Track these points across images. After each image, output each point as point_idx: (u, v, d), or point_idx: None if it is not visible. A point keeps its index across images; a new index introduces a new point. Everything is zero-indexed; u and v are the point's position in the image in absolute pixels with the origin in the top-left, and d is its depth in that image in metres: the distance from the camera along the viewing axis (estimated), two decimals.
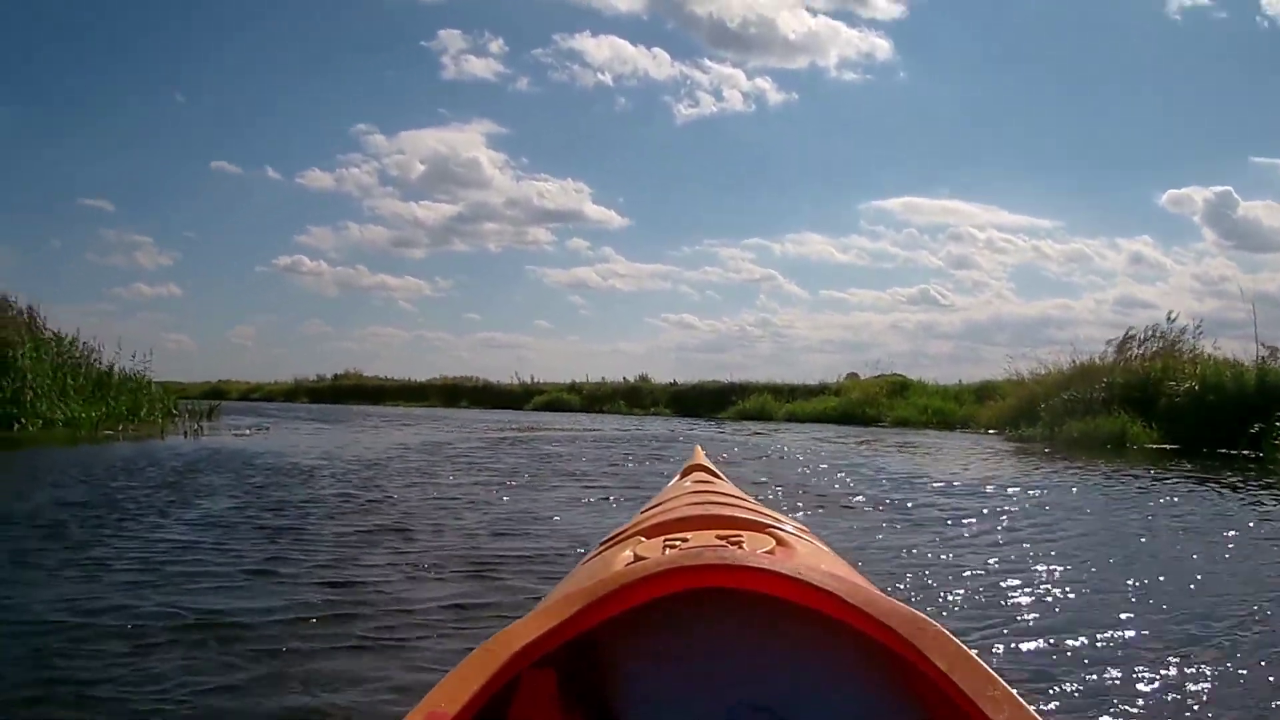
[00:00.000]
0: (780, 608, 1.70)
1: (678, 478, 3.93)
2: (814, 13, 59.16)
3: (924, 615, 1.57)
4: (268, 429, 24.78)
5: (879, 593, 1.70)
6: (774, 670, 1.77)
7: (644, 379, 51.08)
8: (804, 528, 2.73)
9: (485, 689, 1.47)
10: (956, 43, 62.85)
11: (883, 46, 55.11)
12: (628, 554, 2.08)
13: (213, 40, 62.60)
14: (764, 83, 58.29)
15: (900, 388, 36.63)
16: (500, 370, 60.66)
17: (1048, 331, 57.41)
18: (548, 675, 1.66)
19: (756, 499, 3.30)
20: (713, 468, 4.04)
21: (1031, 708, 1.38)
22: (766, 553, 2.02)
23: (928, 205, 59.38)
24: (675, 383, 49.00)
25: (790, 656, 1.77)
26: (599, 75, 58.60)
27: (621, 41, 58.20)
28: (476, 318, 75.05)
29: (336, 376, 62.63)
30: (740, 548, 2.05)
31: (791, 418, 36.21)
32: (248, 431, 23.29)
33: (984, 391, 32.64)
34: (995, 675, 1.43)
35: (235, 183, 61.64)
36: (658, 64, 58.25)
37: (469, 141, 63.57)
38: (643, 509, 3.22)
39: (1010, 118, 62.49)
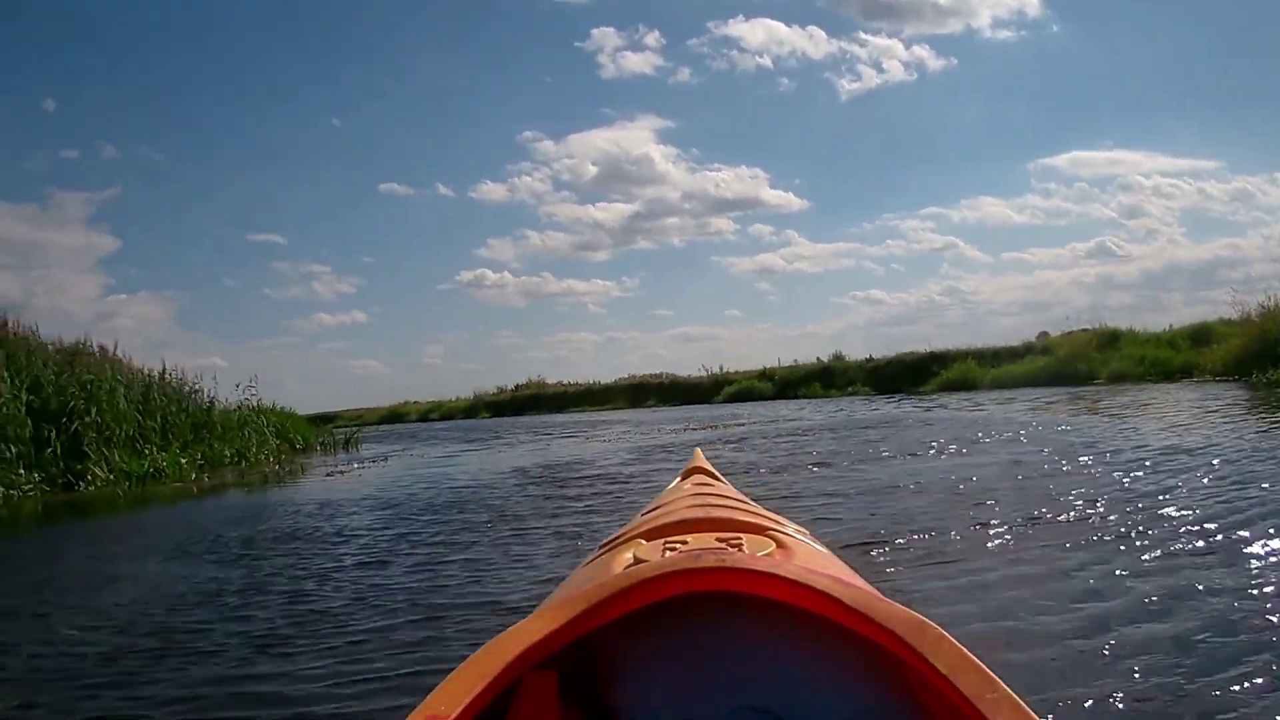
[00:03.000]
0: (780, 610, 1.67)
1: (678, 480, 3.82)
2: None
3: (924, 618, 1.52)
4: (385, 460, 19.97)
5: (879, 595, 1.68)
6: (774, 673, 1.71)
7: (838, 358, 46.18)
8: (804, 530, 2.65)
9: (486, 691, 1.44)
10: None
11: (1031, 2, 53.01)
12: (627, 556, 2.02)
13: (362, 62, 60.56)
14: (922, 50, 54.77)
15: (1110, 339, 32.81)
16: (696, 365, 55.51)
17: (1220, 272, 52.85)
18: (548, 677, 1.62)
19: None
20: (713, 470, 3.98)
21: (1032, 711, 1.33)
22: (766, 555, 1.96)
23: (1094, 158, 56.56)
24: (871, 358, 44.20)
25: (790, 659, 1.72)
26: (758, 59, 55.59)
27: (775, 23, 55.28)
28: (668, 314, 71.13)
29: (516, 387, 59.14)
30: (740, 550, 1.97)
31: (997, 384, 32.61)
32: (355, 467, 18.62)
33: (1199, 335, 29.72)
34: (996, 678, 1.39)
35: (406, 203, 60.18)
36: (814, 42, 55.05)
37: (638, 138, 60.66)
38: (642, 512, 3.07)
39: (1163, 61, 59.00)
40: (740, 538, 2.13)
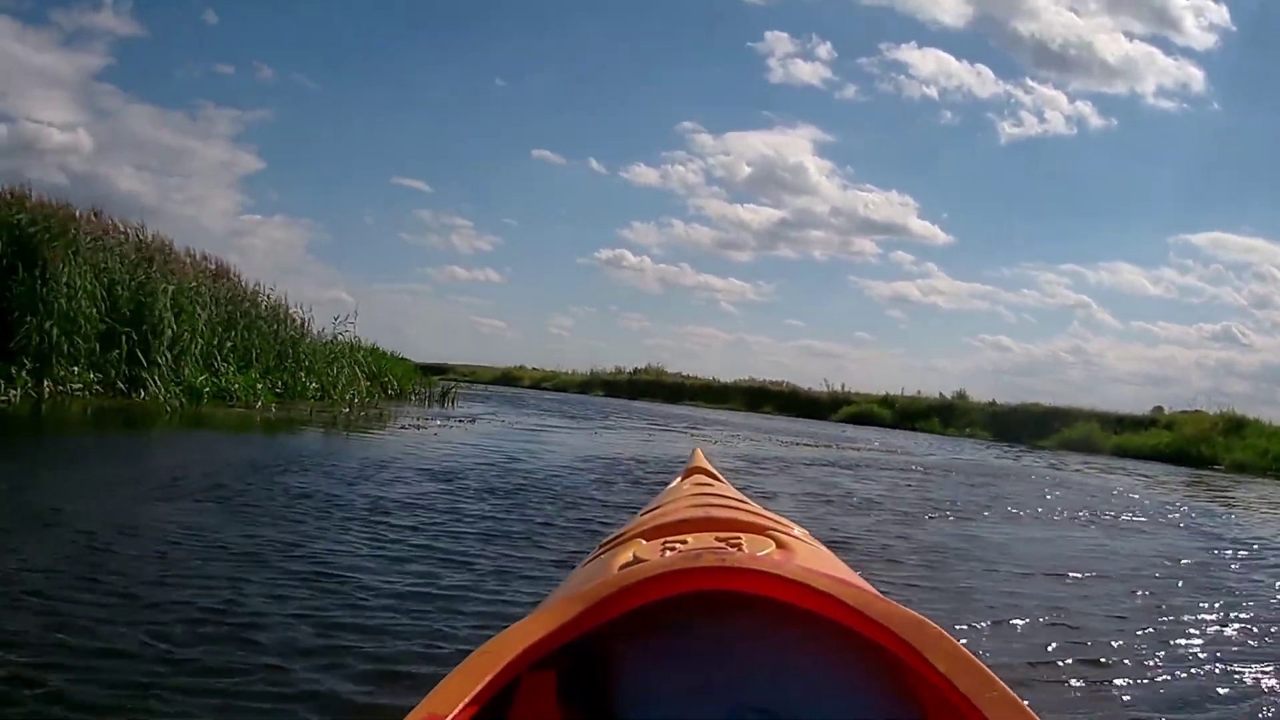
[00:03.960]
0: (780, 610, 1.64)
1: (678, 480, 3.63)
2: (1130, 37, 53.26)
3: (924, 617, 1.49)
4: (473, 421, 18.25)
5: (879, 595, 1.67)
6: (773, 672, 1.66)
7: (961, 396, 43.82)
8: (804, 530, 2.49)
9: (484, 691, 1.40)
10: (1268, 76, 58.53)
11: (1196, 76, 50.93)
12: (627, 556, 1.95)
13: (535, 29, 60.52)
14: (1084, 106, 54.29)
15: (1235, 426, 30.54)
16: (817, 379, 55.20)
17: None
18: (547, 677, 1.59)
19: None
20: (713, 470, 3.77)
21: (1031, 710, 1.30)
22: (766, 555, 1.88)
23: (1233, 242, 55.76)
24: (994, 403, 41.82)
25: (790, 659, 1.67)
26: (924, 88, 55.30)
27: (946, 56, 54.49)
28: (799, 324, 73.21)
29: (635, 370, 57.54)
30: (740, 550, 1.91)
31: (1120, 452, 30.34)
32: (438, 423, 16.95)
33: None
34: (995, 677, 1.36)
35: (557, 172, 59.08)
36: (981, 81, 54.25)
37: (795, 146, 59.43)
38: (642, 511, 3.01)
39: None
40: (740, 537, 2.05)
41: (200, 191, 55.26)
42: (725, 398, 51.53)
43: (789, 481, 11.16)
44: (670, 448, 15.27)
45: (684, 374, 56.47)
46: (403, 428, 15.20)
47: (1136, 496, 13.85)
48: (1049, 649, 4.46)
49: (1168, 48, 60.12)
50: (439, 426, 15.95)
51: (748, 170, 59.73)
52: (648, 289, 65.72)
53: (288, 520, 6.06)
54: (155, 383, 14.73)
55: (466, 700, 1.34)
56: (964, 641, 1.60)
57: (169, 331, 15.63)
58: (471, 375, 55.49)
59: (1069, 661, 4.29)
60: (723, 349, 66.56)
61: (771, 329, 73.38)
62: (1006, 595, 5.66)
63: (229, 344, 17.23)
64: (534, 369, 62.13)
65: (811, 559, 1.97)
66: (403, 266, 66.34)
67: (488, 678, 1.40)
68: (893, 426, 40.46)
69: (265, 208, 61.39)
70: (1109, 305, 60.67)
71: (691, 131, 60.01)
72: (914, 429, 39.38)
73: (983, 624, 4.83)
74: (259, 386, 17.03)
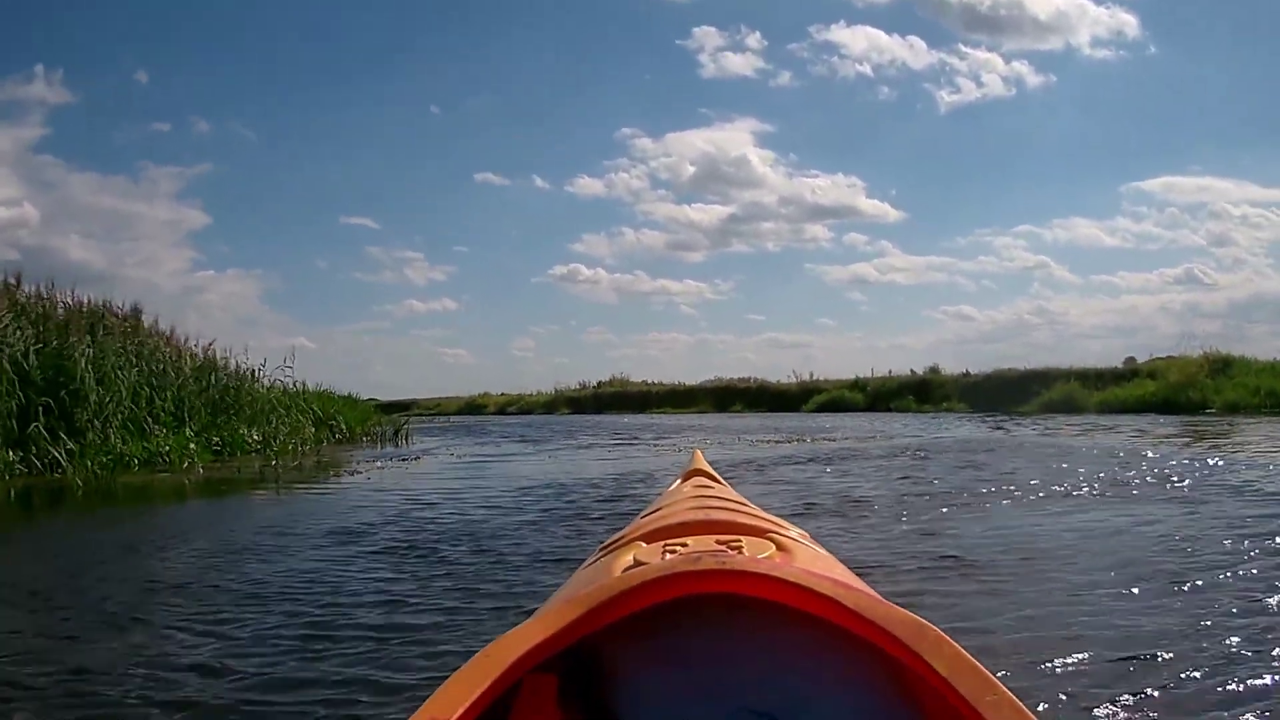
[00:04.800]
0: (780, 613, 1.62)
1: (678, 482, 3.61)
2: None
3: (924, 620, 1.46)
4: (418, 459, 16.94)
5: (879, 597, 1.65)
6: (774, 676, 1.66)
7: (934, 371, 43.29)
8: (804, 533, 2.49)
9: (485, 695, 1.39)
10: (1201, 15, 57.52)
11: (1130, 22, 49.62)
12: (627, 559, 1.96)
13: (463, 53, 57.69)
14: (1021, 66, 53.04)
15: (1222, 365, 30.71)
16: (786, 371, 55.46)
17: None
18: (548, 681, 1.58)
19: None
20: (712, 472, 3.73)
21: (1031, 714, 1.29)
22: (766, 558, 1.88)
23: (1185, 184, 54.54)
24: (968, 373, 41.52)
25: (790, 662, 1.66)
26: (858, 66, 53.26)
27: (876, 31, 53.18)
28: (760, 318, 69.77)
29: (599, 384, 56.79)
30: (740, 553, 1.89)
31: (1105, 408, 30.32)
32: (380, 466, 15.66)
33: None
34: (996, 680, 1.34)
35: (502, 194, 58.00)
36: (915, 52, 52.83)
37: (736, 140, 58.93)
38: (642, 514, 2.97)
39: (1258, 89, 56.66)
40: (740, 540, 2.03)
41: (150, 253, 54.45)
42: (692, 400, 50.90)
43: (763, 488, 9.96)
44: (630, 464, 14.01)
45: (648, 381, 55.96)
46: (337, 476, 13.98)
47: (1149, 455, 12.83)
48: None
49: None
50: (378, 469, 14.69)
51: (691, 170, 58.81)
52: (605, 300, 64.12)
53: (107, 624, 4.72)
54: (62, 456, 13.25)
55: (467, 704, 1.33)
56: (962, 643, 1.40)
57: (92, 397, 14.29)
58: (436, 408, 54.80)
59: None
60: (687, 352, 65.99)
61: (733, 326, 73.94)
62: (1090, 616, 4.30)
63: (159, 403, 15.90)
64: (499, 394, 61.49)
65: (812, 561, 1.96)
66: (360, 306, 66.56)
67: (488, 681, 1.38)
68: (867, 410, 39.93)
69: (217, 262, 60.65)
70: (1067, 262, 59.84)
71: (631, 137, 58.64)
72: (889, 409, 38.96)
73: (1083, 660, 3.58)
74: (192, 447, 15.64)
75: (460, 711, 1.30)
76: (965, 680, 1.33)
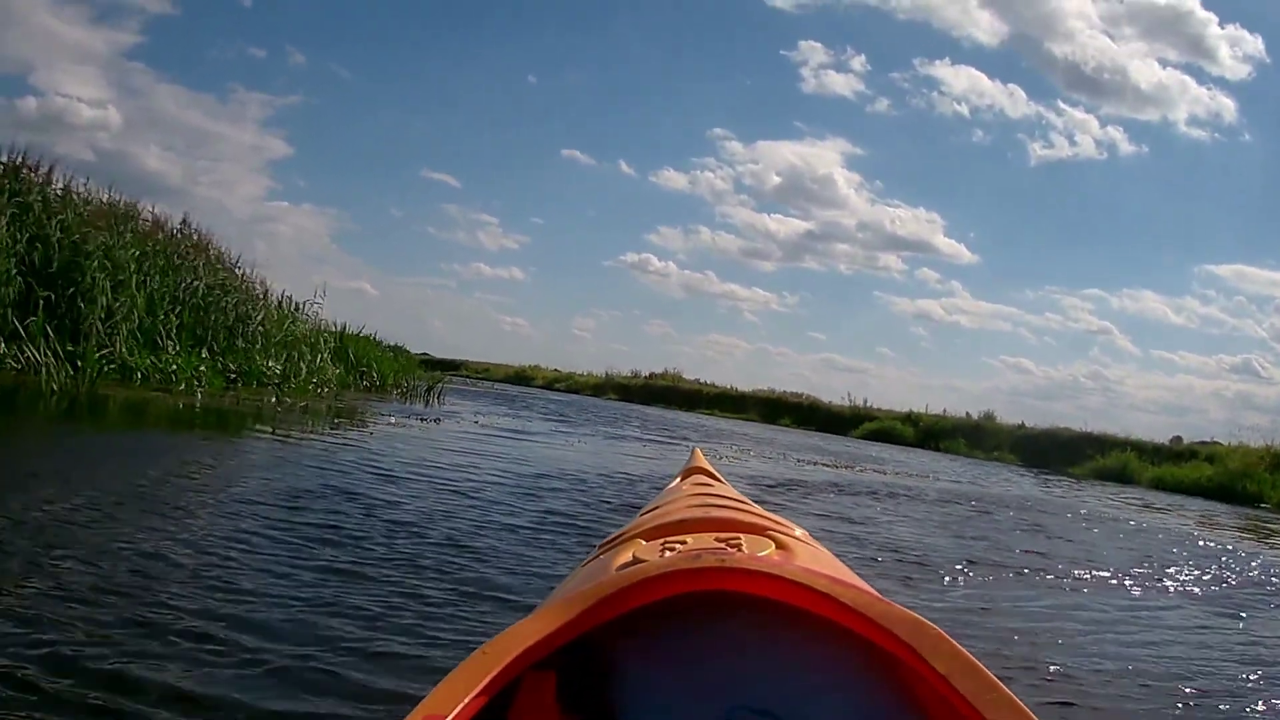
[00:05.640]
0: (779, 611, 1.61)
1: (677, 480, 3.57)
2: (1164, 64, 55.43)
3: (924, 619, 1.45)
4: (439, 422, 15.36)
5: (879, 596, 1.61)
6: (773, 674, 1.62)
7: (989, 417, 41.18)
8: (804, 531, 2.35)
9: (484, 691, 1.36)
10: None
11: (1229, 107, 50.67)
12: (627, 556, 1.91)
13: (569, 28, 59.86)
14: (1116, 132, 54.04)
15: None
16: (839, 393, 53.56)
17: None
18: (547, 678, 1.55)
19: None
20: (712, 469, 3.69)
21: (1031, 712, 1.26)
22: (766, 556, 1.84)
23: (1257, 275, 54.97)
24: (1023, 425, 39.39)
25: (789, 660, 1.62)
26: (956, 105, 55.05)
27: (979, 74, 55.00)
28: (821, 337, 71.01)
29: (650, 375, 55.03)
30: (739, 550, 1.86)
31: (1158, 484, 28.00)
32: (399, 423, 14.28)
33: None
34: (995, 679, 1.32)
35: (586, 173, 58.97)
36: (1013, 101, 54.54)
37: (825, 158, 59.71)
38: (641, 511, 2.92)
39: None
40: (740, 538, 1.99)
41: (227, 175, 54.74)
42: (742, 408, 49.15)
43: (809, 517, 8.49)
44: (659, 466, 12.26)
45: (701, 381, 54.40)
46: (338, 427, 12.58)
47: (1229, 548, 11.18)
48: None
49: (1201, 77, 60.67)
50: (389, 425, 13.38)
51: (776, 180, 59.18)
52: (672, 295, 65.15)
53: None
54: (49, 358, 11.89)
55: (466, 700, 1.31)
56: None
57: (102, 300, 13.02)
58: (484, 372, 54.03)
59: None
60: (744, 358, 65.81)
61: (793, 341, 74.29)
62: None
63: (173, 319, 14.55)
64: (549, 369, 60.22)
65: (811, 560, 1.93)
66: (428, 260, 66.81)
67: (487, 678, 1.36)
68: (916, 445, 38.25)
69: (292, 194, 61.48)
70: (1130, 332, 61.07)
71: (722, 138, 58.96)
72: (938, 449, 37.22)
73: None
74: (203, 370, 14.37)
75: (459, 708, 1.27)
76: (965, 679, 1.31)
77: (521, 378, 57.39)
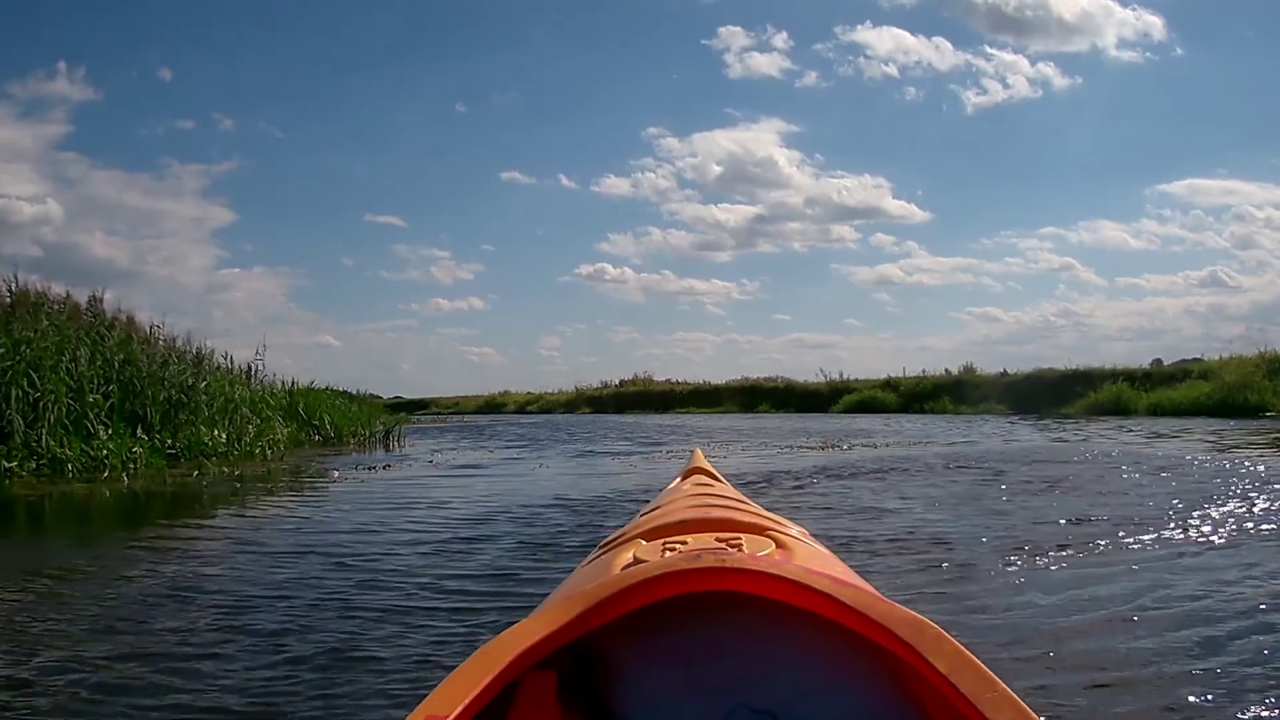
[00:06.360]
0: (779, 610, 1.60)
1: (678, 480, 3.53)
2: None
3: (924, 618, 1.43)
4: (386, 468, 14.14)
5: (879, 595, 1.60)
6: (773, 673, 1.65)
7: (969, 370, 41.37)
8: (804, 530, 2.43)
9: (485, 691, 1.36)
10: (1228, 16, 55.53)
11: (1156, 24, 48.61)
12: (627, 557, 1.91)
13: (489, 50, 56.97)
14: (1047, 68, 51.70)
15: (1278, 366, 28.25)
16: (812, 371, 54.75)
17: None
18: (548, 678, 1.55)
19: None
20: (713, 470, 3.65)
21: (1032, 710, 1.25)
22: (765, 555, 1.84)
23: (1210, 186, 55.54)
24: (1006, 373, 39.82)
25: (790, 659, 1.65)
26: (884, 67, 52.08)
27: (902, 32, 51.68)
28: (786, 319, 68.98)
29: (621, 383, 54.89)
30: (739, 550, 1.86)
31: (1156, 410, 28.40)
32: (340, 476, 13.17)
33: None
34: (995, 678, 1.31)
35: (528, 193, 56.56)
36: (940, 54, 51.49)
37: (762, 140, 57.05)
38: (641, 512, 2.91)
39: None
40: (740, 538, 1.99)
41: (175, 250, 54.19)
42: (717, 400, 48.97)
43: (803, 512, 7.66)
44: (628, 480, 11.09)
45: (672, 380, 54.28)
46: (273, 493, 11.29)
47: (1261, 470, 10.20)
48: None
49: None
50: (327, 483, 12.20)
51: (718, 170, 57.54)
52: (632, 299, 62.98)
53: None
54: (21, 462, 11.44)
55: (467, 701, 1.30)
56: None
57: (14, 393, 12.08)
58: (454, 406, 54.10)
59: None
60: (714, 352, 64.72)
61: (760, 326, 73.28)
62: None
63: (103, 401, 13.51)
64: (521, 393, 60.06)
65: (811, 559, 1.92)
66: (386, 304, 65.12)
67: (488, 678, 1.36)
68: (900, 411, 38.02)
69: (242, 259, 60.64)
70: (1093, 264, 59.43)
71: (657, 136, 56.96)
72: (924, 411, 37.00)
73: None
74: (139, 450, 13.32)
75: (460, 708, 1.27)
76: (965, 677, 1.30)
77: (492, 406, 57.28)
